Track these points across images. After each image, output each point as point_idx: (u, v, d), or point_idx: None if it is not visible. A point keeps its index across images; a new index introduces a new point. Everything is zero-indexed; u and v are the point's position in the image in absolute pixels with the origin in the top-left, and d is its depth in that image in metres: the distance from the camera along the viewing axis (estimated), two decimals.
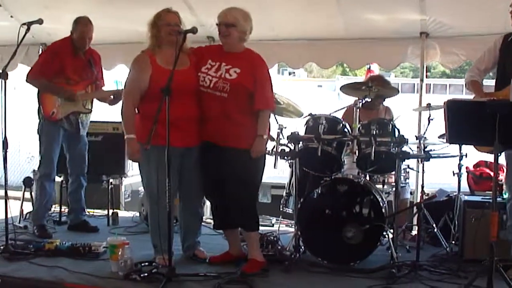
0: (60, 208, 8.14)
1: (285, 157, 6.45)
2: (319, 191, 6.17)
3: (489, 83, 6.32)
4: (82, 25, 7.10)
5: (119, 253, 5.66)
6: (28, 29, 6.28)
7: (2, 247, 6.22)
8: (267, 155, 6.08)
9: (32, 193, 7.82)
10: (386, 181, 6.84)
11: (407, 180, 7.25)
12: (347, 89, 6.76)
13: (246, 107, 5.72)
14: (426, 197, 6.73)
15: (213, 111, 5.79)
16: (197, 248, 6.27)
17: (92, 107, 7.47)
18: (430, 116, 6.91)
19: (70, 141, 7.40)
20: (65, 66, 7.09)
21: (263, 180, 6.13)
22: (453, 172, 6.92)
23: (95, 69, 7.37)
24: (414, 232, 7.08)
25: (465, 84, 6.35)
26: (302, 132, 6.37)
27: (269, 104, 5.83)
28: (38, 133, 7.26)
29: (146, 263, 5.72)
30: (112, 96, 7.33)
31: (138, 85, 5.74)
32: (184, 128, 5.70)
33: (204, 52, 6.04)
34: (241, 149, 5.68)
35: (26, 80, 6.52)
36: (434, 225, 6.75)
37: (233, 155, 5.72)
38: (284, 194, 7.02)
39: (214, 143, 5.82)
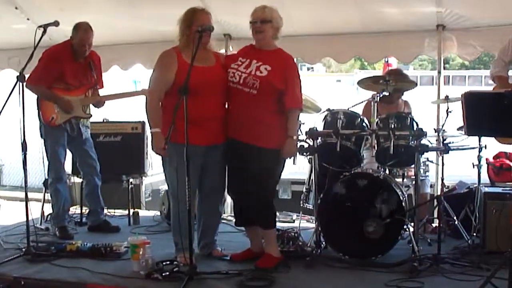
0: (81, 209, 8.17)
1: (304, 153, 6.44)
2: (339, 186, 6.16)
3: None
4: (82, 31, 7.03)
5: (141, 252, 5.69)
6: (44, 32, 6.27)
7: (24, 249, 6.25)
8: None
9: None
10: (406, 174, 6.82)
11: (427, 173, 7.22)
12: (365, 83, 6.74)
13: (273, 107, 5.73)
14: (446, 190, 6.71)
15: (240, 107, 5.83)
16: (215, 248, 6.28)
17: (91, 112, 7.47)
18: (448, 109, 6.89)
19: (75, 145, 7.42)
20: (65, 72, 7.08)
21: (283, 177, 6.21)
22: (473, 164, 6.89)
23: (95, 72, 7.35)
24: (435, 225, 7.06)
25: (491, 78, 6.31)
26: (320, 128, 6.37)
27: (299, 103, 5.85)
28: (41, 137, 7.26)
29: (168, 262, 5.71)
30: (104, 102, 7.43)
31: (164, 82, 5.74)
32: (207, 126, 5.72)
33: (236, 54, 6.13)
34: (264, 148, 5.69)
35: (26, 86, 6.51)
36: (455, 217, 6.72)
37: (255, 154, 5.73)
38: (304, 190, 7.01)
39: (239, 141, 5.84)
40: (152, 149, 5.80)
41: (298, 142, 6.29)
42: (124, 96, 7.49)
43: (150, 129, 5.79)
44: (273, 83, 5.68)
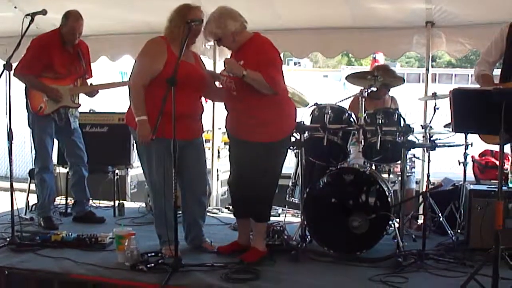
0: (66, 199, 8.16)
1: (291, 147, 6.44)
2: (325, 181, 6.17)
3: (498, 72, 6.30)
4: (73, 20, 6.98)
5: (126, 244, 5.66)
6: (32, 20, 6.22)
7: (8, 239, 6.23)
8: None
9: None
10: (392, 170, 6.86)
11: (413, 169, 7.24)
12: (353, 78, 6.76)
13: (259, 101, 5.60)
14: (432, 186, 6.71)
15: (230, 108, 5.93)
16: (204, 241, 6.27)
17: (79, 101, 7.42)
18: (435, 105, 6.91)
19: (63, 135, 7.39)
20: (53, 61, 7.03)
21: None
22: (458, 161, 6.92)
23: (83, 61, 7.32)
24: (420, 221, 7.08)
25: (475, 78, 6.32)
26: (307, 122, 6.36)
27: (268, 77, 5.44)
28: (29, 126, 7.22)
29: (153, 254, 5.72)
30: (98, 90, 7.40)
31: (152, 70, 5.69)
32: (185, 121, 5.68)
33: None
34: (253, 142, 5.67)
35: (14, 75, 6.47)
36: (439, 214, 6.76)
37: (246, 148, 5.75)
38: (290, 184, 7.04)
39: (235, 137, 5.91)
40: (137, 137, 5.72)
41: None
42: (116, 86, 7.45)
43: (136, 117, 5.69)
44: None
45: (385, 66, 7.99)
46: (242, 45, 5.76)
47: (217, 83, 6.10)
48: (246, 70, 5.44)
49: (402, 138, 6.15)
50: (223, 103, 6.08)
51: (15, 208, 6.26)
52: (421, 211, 7.07)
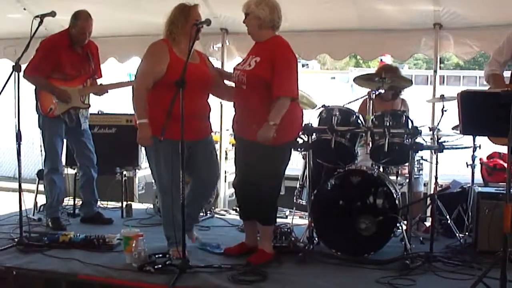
0: (74, 200, 8.16)
1: (299, 149, 6.43)
2: (333, 183, 6.16)
3: (508, 74, 6.28)
4: (83, 20, 6.99)
5: (133, 245, 5.68)
6: (41, 22, 6.25)
7: (16, 240, 6.26)
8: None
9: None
10: (399, 172, 6.83)
11: (421, 172, 7.22)
12: (361, 80, 6.74)
13: (265, 99, 5.59)
14: (440, 189, 6.70)
15: (238, 104, 5.91)
16: (190, 231, 6.26)
17: (89, 102, 7.44)
18: (443, 108, 6.88)
19: (73, 136, 7.40)
20: (62, 62, 7.04)
21: None
22: (466, 163, 6.90)
23: (93, 62, 7.33)
24: (428, 224, 7.07)
25: (485, 78, 6.30)
26: (315, 124, 6.35)
27: (285, 90, 5.58)
28: (39, 128, 7.24)
29: (160, 255, 5.70)
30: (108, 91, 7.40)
31: (155, 73, 5.70)
32: (191, 122, 5.63)
33: None
34: (258, 143, 5.59)
35: (23, 76, 6.48)
36: (447, 216, 6.73)
37: (251, 149, 5.74)
38: (298, 186, 7.03)
39: (241, 137, 5.93)
40: (138, 140, 5.76)
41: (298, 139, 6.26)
42: (124, 85, 7.43)
43: (137, 119, 5.73)
44: (260, 75, 5.60)
45: (393, 67, 7.98)
46: (261, 43, 5.78)
47: (226, 81, 6.12)
48: (269, 120, 5.46)
49: (410, 140, 6.13)
50: (231, 103, 6.10)
51: (23, 208, 6.29)
52: (428, 214, 7.06)
